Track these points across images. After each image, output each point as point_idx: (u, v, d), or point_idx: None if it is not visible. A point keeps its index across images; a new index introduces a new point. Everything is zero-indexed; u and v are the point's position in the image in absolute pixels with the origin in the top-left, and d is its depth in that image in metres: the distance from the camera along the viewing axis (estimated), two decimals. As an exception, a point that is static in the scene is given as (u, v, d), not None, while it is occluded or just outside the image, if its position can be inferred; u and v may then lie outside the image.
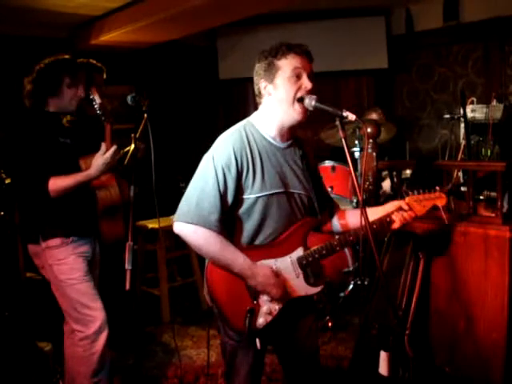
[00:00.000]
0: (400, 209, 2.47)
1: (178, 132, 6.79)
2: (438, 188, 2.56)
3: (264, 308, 2.37)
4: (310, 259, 2.40)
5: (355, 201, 4.83)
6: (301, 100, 2.32)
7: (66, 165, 3.11)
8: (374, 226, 2.42)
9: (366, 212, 2.18)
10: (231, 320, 2.38)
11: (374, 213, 2.49)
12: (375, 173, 4.41)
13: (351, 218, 2.62)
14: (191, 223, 2.29)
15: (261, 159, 2.35)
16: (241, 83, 6.81)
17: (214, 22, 5.56)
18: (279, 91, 2.34)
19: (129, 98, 2.77)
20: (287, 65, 2.31)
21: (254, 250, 2.38)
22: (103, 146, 3.05)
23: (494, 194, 3.27)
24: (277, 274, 2.36)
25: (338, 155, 5.09)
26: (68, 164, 3.13)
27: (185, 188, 2.41)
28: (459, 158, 4.42)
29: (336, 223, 2.66)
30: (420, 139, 6.93)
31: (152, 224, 5.03)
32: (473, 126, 4.38)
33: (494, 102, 4.62)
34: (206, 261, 2.42)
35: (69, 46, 5.81)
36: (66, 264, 3.15)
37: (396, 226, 2.46)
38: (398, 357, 2.95)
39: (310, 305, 2.60)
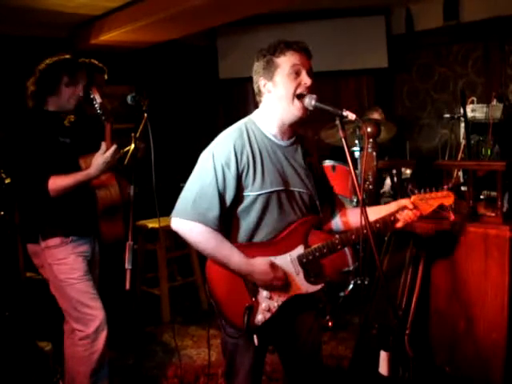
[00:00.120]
0: (405, 208, 2.45)
1: (178, 132, 6.79)
2: (445, 186, 2.53)
3: (263, 305, 2.38)
4: (311, 257, 2.39)
5: (355, 200, 4.83)
6: (300, 96, 2.32)
7: (65, 164, 3.11)
8: (378, 225, 2.41)
9: (365, 211, 2.18)
10: (230, 317, 2.38)
11: (378, 212, 2.48)
12: (375, 172, 4.41)
13: (352, 216, 2.61)
14: (188, 220, 2.30)
15: (261, 157, 2.35)
16: (241, 83, 6.80)
17: (213, 21, 5.55)
18: (279, 88, 2.34)
19: (129, 98, 2.77)
20: (286, 62, 2.31)
21: (252, 248, 2.38)
22: (103, 146, 3.05)
23: (494, 193, 3.28)
24: (277, 268, 2.36)
25: (338, 155, 5.08)
26: (68, 163, 3.13)
27: (184, 187, 2.42)
28: (459, 158, 4.42)
29: (337, 222, 2.65)
30: (420, 139, 6.93)
31: (152, 224, 5.03)
32: (473, 126, 4.38)
33: (494, 102, 4.61)
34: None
35: (69, 45, 5.80)
36: (65, 264, 3.15)
37: (400, 224, 2.44)
38: (398, 356, 2.95)
39: (311, 303, 2.58)
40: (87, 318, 3.16)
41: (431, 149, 6.69)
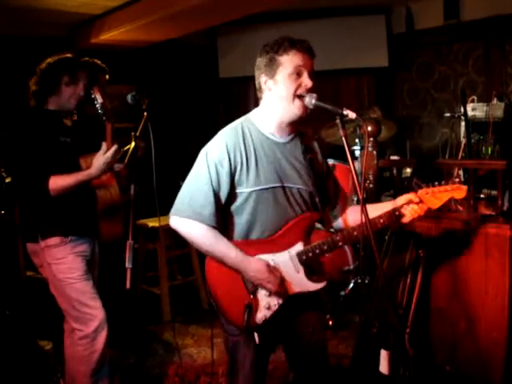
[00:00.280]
0: (410, 202, 2.40)
1: (178, 131, 6.79)
2: (456, 179, 2.49)
3: (263, 303, 2.38)
4: (311, 254, 2.38)
5: (356, 199, 4.83)
6: (301, 96, 2.32)
7: (66, 163, 3.11)
8: (382, 220, 2.39)
9: (366, 210, 2.17)
10: (230, 315, 2.40)
11: (382, 208, 2.46)
12: (376, 171, 4.40)
13: (351, 214, 2.60)
14: (185, 217, 2.34)
15: (255, 154, 2.36)
16: (241, 82, 6.80)
17: (213, 20, 5.55)
18: (279, 87, 2.34)
19: (129, 97, 2.77)
20: (288, 61, 2.31)
21: (251, 245, 2.39)
22: (104, 146, 3.05)
23: (494, 192, 3.28)
24: (272, 269, 2.36)
25: (338, 154, 5.08)
26: (68, 163, 3.12)
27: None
28: (460, 157, 4.42)
29: (338, 219, 2.64)
30: (420, 138, 6.93)
31: (152, 223, 5.03)
32: (473, 125, 4.39)
33: (495, 101, 4.62)
34: None
35: (69, 45, 5.80)
36: (64, 263, 3.15)
37: (406, 220, 2.40)
38: (399, 355, 2.95)
39: (314, 302, 2.57)
40: (86, 318, 3.16)
41: (432, 148, 6.69)
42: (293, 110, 2.34)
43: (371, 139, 4.47)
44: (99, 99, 3.16)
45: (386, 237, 3.34)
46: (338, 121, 2.25)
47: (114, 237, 3.35)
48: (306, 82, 2.32)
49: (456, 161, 4.28)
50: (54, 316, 3.34)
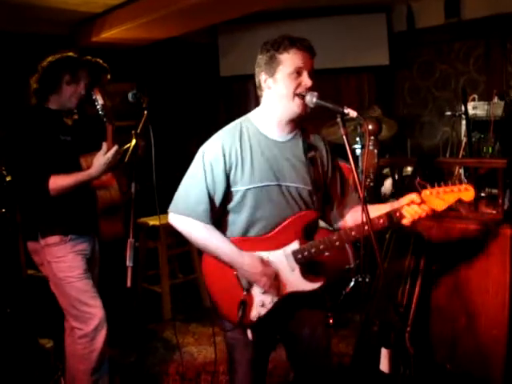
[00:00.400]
0: (412, 203, 2.32)
1: (179, 129, 6.78)
2: (465, 180, 2.39)
3: (257, 300, 2.39)
4: (306, 254, 2.37)
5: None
6: (300, 95, 2.32)
7: (66, 162, 3.11)
8: (381, 221, 2.33)
9: (367, 209, 2.17)
10: (224, 311, 2.43)
11: (382, 208, 2.41)
12: (376, 170, 4.41)
13: (351, 214, 2.58)
14: (180, 214, 2.41)
15: (251, 153, 2.37)
16: (242, 80, 6.80)
17: (213, 19, 5.55)
18: (279, 86, 2.34)
19: (130, 95, 2.77)
20: (288, 60, 2.31)
21: (247, 242, 2.40)
22: (104, 146, 3.04)
23: (495, 191, 3.27)
24: (267, 265, 2.36)
25: (339, 152, 5.09)
26: (68, 162, 3.13)
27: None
28: (460, 155, 4.42)
29: (337, 219, 2.62)
30: (421, 136, 6.93)
31: (153, 221, 5.03)
32: (474, 123, 4.38)
33: (496, 99, 4.61)
34: None
35: (70, 43, 5.80)
36: (64, 262, 3.15)
37: (406, 221, 2.31)
38: (399, 354, 2.95)
39: (315, 301, 2.55)
40: (86, 317, 3.16)
41: (432, 146, 6.69)
42: (292, 108, 2.34)
43: (372, 138, 4.47)
44: (100, 100, 3.16)
45: (387, 236, 3.34)
46: (338, 119, 2.24)
47: (115, 235, 3.35)
48: (306, 81, 2.31)
49: (457, 159, 4.27)
50: (54, 314, 3.34)
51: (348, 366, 3.64)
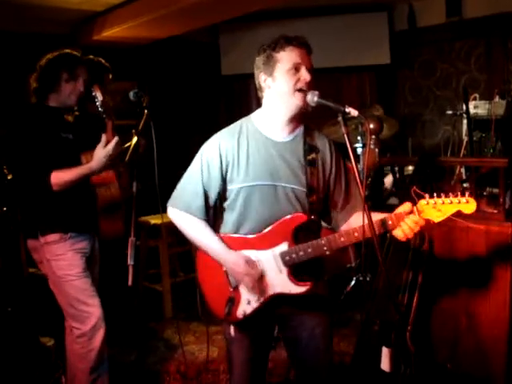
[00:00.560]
0: (404, 213, 2.23)
1: (180, 128, 6.78)
2: (467, 193, 2.21)
3: (244, 298, 2.41)
4: (294, 256, 2.35)
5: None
6: (301, 90, 2.32)
7: (67, 159, 3.10)
8: (356, 234, 2.27)
9: (367, 209, 2.16)
10: (213, 306, 2.48)
11: (377, 216, 2.31)
12: (377, 169, 4.40)
13: (354, 218, 2.49)
14: (177, 208, 2.49)
15: (248, 153, 2.39)
16: (243, 79, 6.80)
17: (214, 18, 5.56)
18: (278, 83, 2.35)
19: (131, 94, 2.76)
20: (286, 57, 2.32)
21: (237, 240, 2.42)
22: (104, 138, 3.03)
23: (496, 190, 3.27)
24: (251, 264, 2.37)
25: (340, 151, 5.09)
26: (69, 159, 3.12)
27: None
28: (462, 154, 4.42)
29: (341, 222, 2.56)
30: (422, 135, 6.93)
31: (154, 220, 5.04)
32: (475, 122, 4.38)
33: (497, 99, 4.61)
34: None
35: (71, 42, 5.80)
36: (63, 260, 3.15)
37: (398, 234, 2.25)
38: (400, 353, 2.95)
39: (315, 303, 2.53)
40: (84, 316, 3.16)
41: (433, 145, 6.69)
42: (294, 102, 2.33)
43: (373, 137, 4.46)
44: (99, 97, 3.16)
45: (388, 235, 3.33)
46: (339, 118, 2.23)
47: (115, 234, 3.36)
48: (305, 75, 2.31)
49: (458, 158, 4.27)
50: (55, 312, 3.34)
51: (349, 365, 3.64)
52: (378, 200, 4.25)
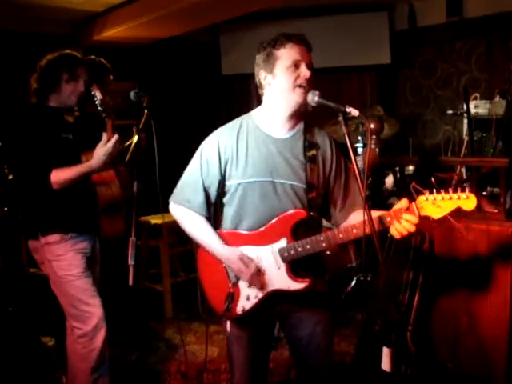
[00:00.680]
0: (400, 211, 2.21)
1: (180, 128, 6.78)
2: (467, 188, 2.16)
3: (243, 294, 2.42)
4: (292, 252, 2.35)
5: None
6: (301, 86, 2.32)
7: (67, 159, 3.10)
8: (354, 231, 2.28)
9: (368, 208, 2.16)
10: (213, 302, 2.49)
11: (375, 214, 2.29)
12: (378, 168, 4.40)
13: (354, 216, 2.49)
14: (177, 204, 2.52)
15: (247, 149, 2.41)
16: (243, 79, 6.80)
17: (214, 18, 5.55)
18: (278, 80, 2.36)
19: (132, 94, 2.77)
20: (286, 54, 2.33)
21: (237, 236, 2.44)
22: (104, 137, 3.03)
23: (497, 189, 3.27)
24: (247, 260, 2.38)
25: (340, 150, 5.08)
26: (70, 159, 3.12)
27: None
28: (462, 154, 4.42)
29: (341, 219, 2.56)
30: (423, 135, 6.92)
31: (155, 219, 5.04)
32: (476, 122, 4.38)
33: (497, 98, 4.61)
34: None
35: (72, 42, 5.80)
36: (64, 260, 3.15)
37: (394, 234, 2.24)
38: (401, 353, 2.95)
39: (316, 301, 2.53)
40: (85, 316, 3.16)
41: (434, 145, 6.69)
42: (294, 98, 2.34)
43: (374, 136, 4.46)
44: (98, 96, 3.16)
45: (389, 235, 3.33)
46: (340, 118, 2.24)
47: (115, 234, 3.36)
48: (304, 72, 2.32)
49: (458, 158, 4.27)
50: (56, 312, 3.34)
51: (349, 364, 3.65)
52: (378, 200, 4.26)
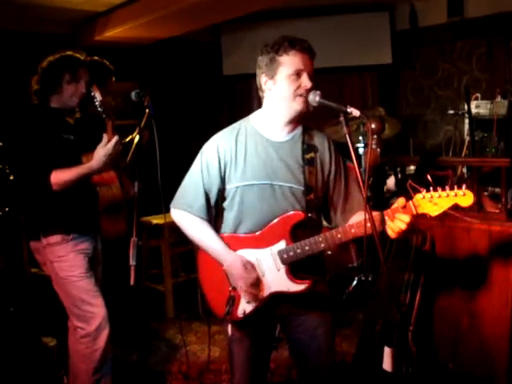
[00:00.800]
0: (397, 209, 2.22)
1: (182, 128, 6.78)
2: (463, 185, 2.16)
3: (243, 297, 2.41)
4: (292, 253, 2.36)
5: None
6: (301, 95, 2.33)
7: (68, 161, 3.10)
8: (353, 230, 2.28)
9: (369, 208, 2.16)
10: (213, 305, 2.50)
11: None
12: (379, 169, 4.40)
13: (354, 218, 2.48)
14: (179, 209, 2.52)
15: (245, 152, 2.42)
16: (244, 79, 6.79)
17: (215, 18, 5.55)
18: (279, 88, 2.36)
19: (133, 94, 2.77)
20: (288, 62, 2.32)
21: (237, 239, 2.44)
22: (105, 138, 3.04)
23: (498, 189, 3.27)
24: (250, 269, 2.38)
25: (341, 151, 5.08)
26: (71, 160, 3.12)
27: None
28: (463, 154, 4.41)
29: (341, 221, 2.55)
30: (424, 135, 6.92)
31: (156, 220, 5.04)
32: (477, 122, 4.37)
33: (498, 98, 4.60)
34: None
35: (73, 42, 5.80)
36: (66, 261, 3.16)
37: (389, 233, 2.24)
38: (402, 352, 2.95)
39: (316, 302, 2.53)
40: (88, 316, 3.17)
41: (435, 145, 6.68)
42: (294, 107, 2.35)
43: (375, 137, 4.46)
44: (98, 97, 3.16)
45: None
46: (341, 118, 2.24)
47: (117, 234, 3.36)
48: (306, 82, 2.33)
49: (460, 158, 4.27)
50: (58, 313, 3.35)
51: (351, 364, 3.64)
52: (379, 200, 4.26)
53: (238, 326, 2.44)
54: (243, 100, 7.21)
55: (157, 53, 6.61)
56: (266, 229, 2.40)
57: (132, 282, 2.59)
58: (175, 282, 5.24)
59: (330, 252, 3.98)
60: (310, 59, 2.36)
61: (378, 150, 4.62)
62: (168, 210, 2.59)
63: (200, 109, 7.10)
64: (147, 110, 2.85)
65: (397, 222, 2.19)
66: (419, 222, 3.13)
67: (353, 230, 2.27)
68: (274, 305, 2.44)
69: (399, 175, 3.90)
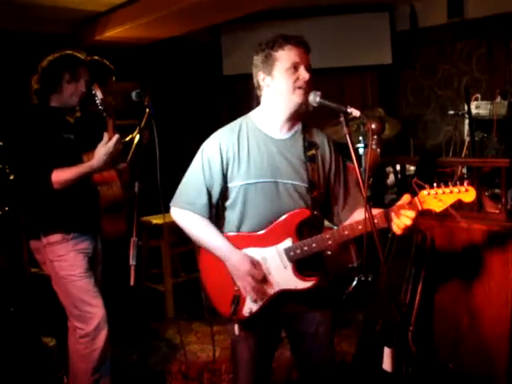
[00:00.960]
0: (401, 207, 2.23)
1: (182, 128, 6.78)
2: (466, 181, 2.22)
3: (249, 296, 2.41)
4: (299, 251, 2.36)
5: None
6: (300, 88, 2.33)
7: (69, 160, 3.11)
8: (360, 227, 2.28)
9: (370, 208, 2.17)
10: (217, 305, 2.48)
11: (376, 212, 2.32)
12: (379, 169, 4.40)
13: (355, 215, 2.50)
14: (180, 208, 2.48)
15: (248, 150, 2.41)
16: (244, 79, 6.76)
17: (215, 18, 5.55)
18: (277, 83, 2.37)
19: (133, 94, 2.77)
20: (284, 56, 2.33)
21: (241, 238, 2.43)
22: (105, 137, 3.04)
23: (498, 190, 3.27)
24: (257, 266, 2.38)
25: (342, 152, 5.08)
26: (71, 159, 3.12)
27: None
28: (463, 155, 4.42)
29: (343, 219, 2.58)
30: (424, 135, 6.92)
31: (156, 220, 5.04)
32: (477, 123, 4.37)
33: (498, 99, 4.61)
34: None
35: (73, 42, 5.80)
36: (66, 260, 3.15)
37: (394, 230, 2.25)
38: (402, 353, 2.95)
39: (318, 300, 2.53)
40: (87, 316, 3.17)
41: (435, 146, 6.69)
42: (294, 99, 2.35)
43: (375, 137, 4.47)
44: (99, 95, 3.17)
45: (390, 235, 3.34)
46: (341, 118, 2.25)
47: (117, 234, 3.36)
48: (303, 74, 2.33)
49: (460, 159, 4.27)
50: (58, 312, 3.35)
51: (351, 364, 3.64)
52: (379, 199, 4.26)
53: (243, 325, 2.43)
54: (243, 100, 7.21)
55: (157, 53, 6.62)
56: (271, 227, 2.39)
57: (132, 282, 2.59)
58: (175, 281, 5.24)
59: (329, 252, 3.99)
60: (305, 53, 2.37)
61: (378, 150, 4.63)
62: (168, 210, 2.58)
63: (200, 109, 7.10)
64: (147, 110, 2.85)
65: (402, 218, 2.20)
66: (419, 222, 3.13)
67: (360, 227, 2.26)
68: (279, 303, 2.43)
69: (399, 175, 3.90)
